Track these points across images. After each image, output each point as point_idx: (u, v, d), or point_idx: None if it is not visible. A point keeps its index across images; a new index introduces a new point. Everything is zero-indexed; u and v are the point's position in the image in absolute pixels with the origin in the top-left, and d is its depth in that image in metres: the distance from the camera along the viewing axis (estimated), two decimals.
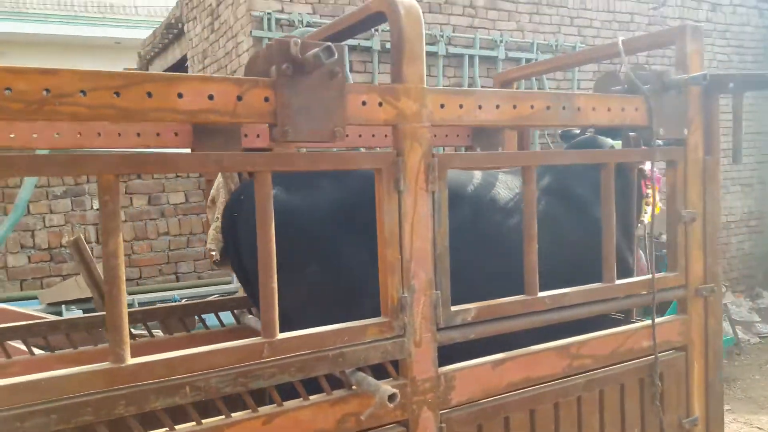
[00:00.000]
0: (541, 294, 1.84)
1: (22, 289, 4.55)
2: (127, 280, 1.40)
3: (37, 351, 2.29)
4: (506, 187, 2.24)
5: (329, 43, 1.36)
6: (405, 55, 1.59)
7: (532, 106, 1.80)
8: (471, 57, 5.68)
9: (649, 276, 2.04)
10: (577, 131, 2.71)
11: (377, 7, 1.64)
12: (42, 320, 2.49)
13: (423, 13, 1.63)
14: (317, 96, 1.45)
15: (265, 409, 1.42)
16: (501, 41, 5.87)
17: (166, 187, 5.43)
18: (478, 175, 2.23)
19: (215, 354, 1.35)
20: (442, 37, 5.52)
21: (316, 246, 1.91)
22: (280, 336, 1.43)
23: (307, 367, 1.46)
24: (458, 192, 2.12)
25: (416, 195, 1.61)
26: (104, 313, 1.29)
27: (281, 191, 1.92)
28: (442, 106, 1.65)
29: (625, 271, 2.30)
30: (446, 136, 2.86)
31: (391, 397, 1.43)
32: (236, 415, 1.38)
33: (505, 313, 1.78)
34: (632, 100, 2.00)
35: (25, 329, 2.22)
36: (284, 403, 1.46)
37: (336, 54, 1.36)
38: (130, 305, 2.99)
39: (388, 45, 5.31)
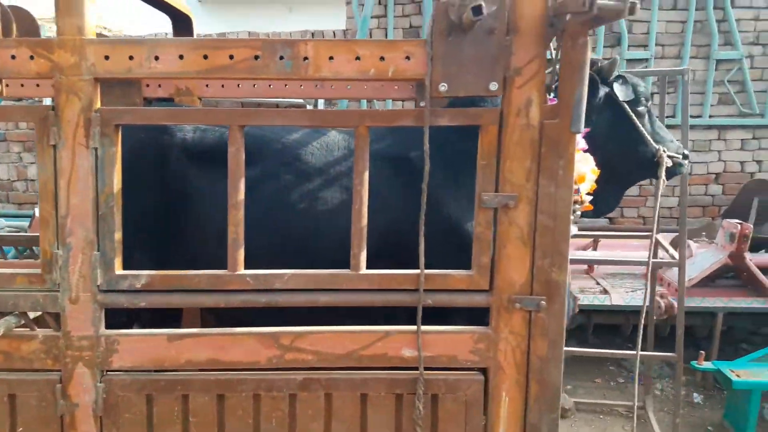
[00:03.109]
0: (243, 271, 1.56)
1: None
2: None
3: None
4: (324, 147, 1.88)
5: None
6: (60, 6, 1.46)
7: (231, 56, 1.48)
8: None
9: (417, 271, 1.53)
10: None
11: None
12: None
13: None
14: None
15: None
16: None
17: None
18: (296, 135, 1.92)
19: None
20: None
21: None
22: None
23: None
24: (255, 150, 1.87)
25: (75, 151, 1.50)
26: None
27: None
28: (106, 57, 1.48)
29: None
30: (381, 86, 2.50)
31: None
32: None
33: (192, 285, 1.56)
34: (401, 45, 1.48)
35: None
36: None
37: None
38: None
39: None
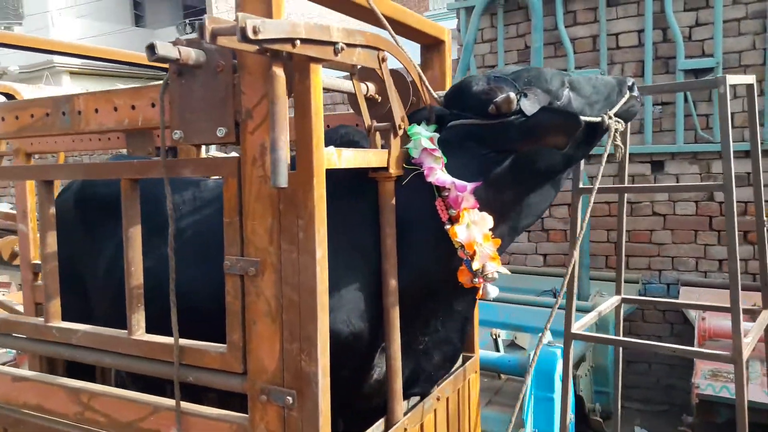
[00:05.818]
0: (52, 323, 1.54)
1: None
2: None
3: None
4: (189, 200, 1.75)
5: None
6: None
7: (32, 115, 1.50)
8: None
9: (171, 340, 1.32)
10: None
11: None
12: None
13: None
14: None
15: None
16: None
17: None
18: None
19: None
20: None
21: None
22: None
23: None
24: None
25: None
26: None
27: None
28: None
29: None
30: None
31: None
32: None
33: (20, 332, 1.60)
34: (147, 92, 1.32)
35: None
36: None
37: None
38: None
39: None
